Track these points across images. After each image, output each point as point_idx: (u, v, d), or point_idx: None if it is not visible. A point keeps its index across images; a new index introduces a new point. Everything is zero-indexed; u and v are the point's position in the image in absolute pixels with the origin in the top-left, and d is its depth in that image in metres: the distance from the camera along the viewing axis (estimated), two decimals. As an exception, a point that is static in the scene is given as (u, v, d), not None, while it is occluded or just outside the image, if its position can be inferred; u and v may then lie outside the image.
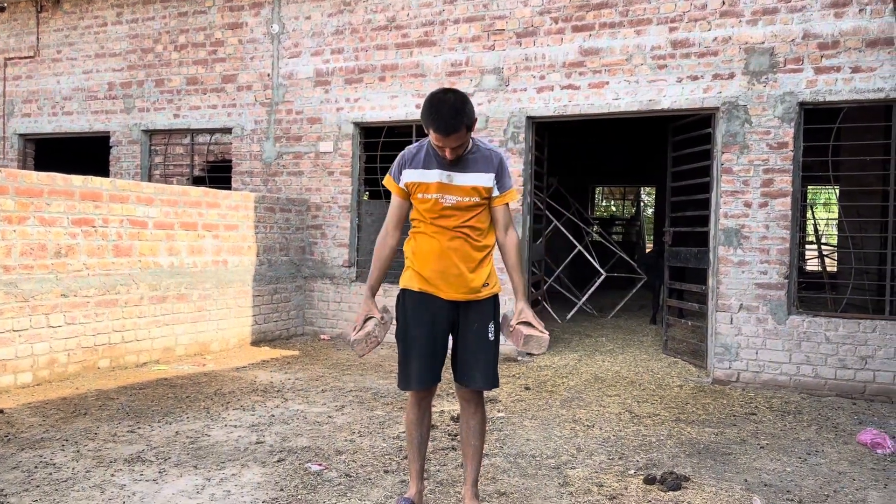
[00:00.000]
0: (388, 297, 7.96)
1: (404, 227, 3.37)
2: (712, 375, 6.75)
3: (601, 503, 3.60)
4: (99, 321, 6.23)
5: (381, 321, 3.26)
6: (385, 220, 3.37)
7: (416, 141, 3.36)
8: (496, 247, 3.33)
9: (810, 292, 9.32)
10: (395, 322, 3.34)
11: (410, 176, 3.22)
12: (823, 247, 11.32)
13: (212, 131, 9.56)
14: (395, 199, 3.32)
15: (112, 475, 3.75)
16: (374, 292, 3.33)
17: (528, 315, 3.20)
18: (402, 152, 3.31)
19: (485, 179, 3.19)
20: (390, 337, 3.82)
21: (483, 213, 3.25)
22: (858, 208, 8.67)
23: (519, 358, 7.57)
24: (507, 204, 3.29)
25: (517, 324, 3.19)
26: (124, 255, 6.52)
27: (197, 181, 9.82)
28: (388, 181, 3.33)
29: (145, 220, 6.71)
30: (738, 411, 5.66)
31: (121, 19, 9.83)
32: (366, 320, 3.25)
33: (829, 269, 11.37)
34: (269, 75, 8.93)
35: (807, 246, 11.88)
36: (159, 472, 3.82)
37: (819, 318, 6.46)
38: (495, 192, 3.23)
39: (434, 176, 3.17)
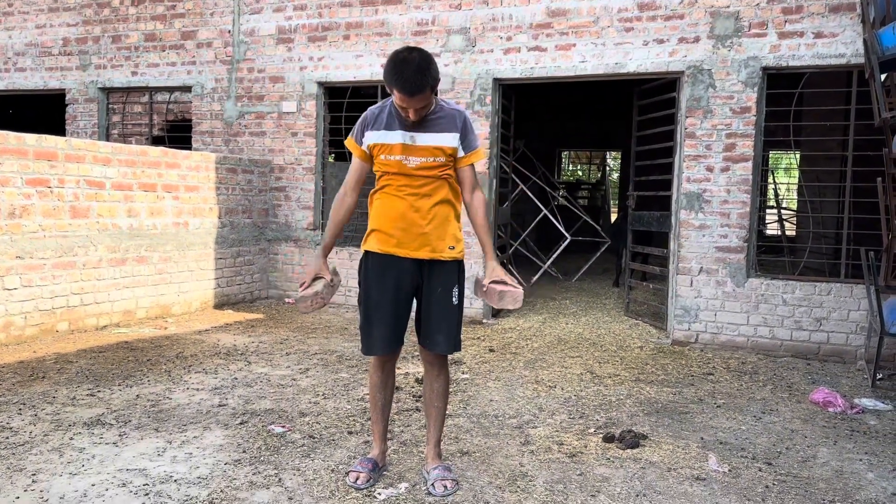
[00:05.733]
0: (354, 261, 7.94)
1: (364, 188, 3.33)
2: (672, 337, 6.87)
3: (561, 461, 3.67)
4: (56, 283, 6.10)
5: (329, 283, 3.25)
6: (344, 180, 3.33)
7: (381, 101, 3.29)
8: (463, 211, 3.31)
9: (769, 256, 9.50)
10: (358, 285, 3.32)
11: (373, 137, 3.16)
12: (783, 211, 11.51)
13: (171, 89, 9.32)
14: (356, 161, 3.27)
15: (71, 439, 3.71)
16: (327, 252, 3.32)
17: (500, 273, 3.18)
18: (365, 113, 3.24)
19: (449, 139, 3.14)
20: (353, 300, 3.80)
21: (449, 174, 3.21)
22: (818, 173, 8.82)
23: (484, 321, 7.62)
24: (472, 164, 3.26)
25: (490, 283, 3.18)
26: (82, 217, 6.37)
27: (156, 141, 9.61)
28: (349, 143, 3.27)
29: (103, 181, 6.55)
30: (696, 371, 5.79)
31: (74, -29, 9.46)
32: (315, 279, 3.23)
33: (788, 232, 11.58)
34: (229, 32, 8.70)
35: (767, 210, 12.07)
36: (119, 436, 3.78)
37: (777, 281, 6.60)
38: (460, 153, 3.19)
39: (397, 137, 3.11)
